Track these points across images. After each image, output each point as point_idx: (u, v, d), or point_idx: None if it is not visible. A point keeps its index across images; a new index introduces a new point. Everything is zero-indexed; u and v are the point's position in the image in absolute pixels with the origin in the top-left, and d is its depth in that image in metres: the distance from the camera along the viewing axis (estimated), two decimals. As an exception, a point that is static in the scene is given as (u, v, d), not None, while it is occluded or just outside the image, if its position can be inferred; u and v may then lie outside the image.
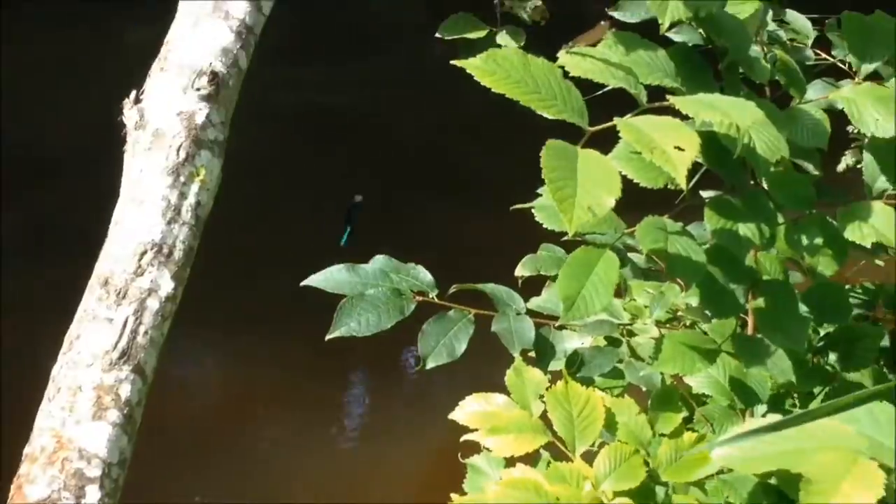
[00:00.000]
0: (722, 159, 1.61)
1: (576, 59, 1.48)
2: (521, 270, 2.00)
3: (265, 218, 4.70)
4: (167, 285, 1.81)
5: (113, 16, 5.20)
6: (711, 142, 1.63)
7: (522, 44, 2.22)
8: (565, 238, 1.86)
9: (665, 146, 1.35)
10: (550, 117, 1.41)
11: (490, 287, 1.93)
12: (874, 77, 1.79)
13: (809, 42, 2.09)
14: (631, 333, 1.95)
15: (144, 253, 1.81)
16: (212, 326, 4.33)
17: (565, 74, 1.45)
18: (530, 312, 1.93)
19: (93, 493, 1.63)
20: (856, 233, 1.67)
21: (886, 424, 1.14)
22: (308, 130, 5.16)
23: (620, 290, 2.08)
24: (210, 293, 4.02)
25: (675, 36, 1.82)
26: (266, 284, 3.73)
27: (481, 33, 2.23)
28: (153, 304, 1.79)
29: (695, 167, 1.70)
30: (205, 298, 4.12)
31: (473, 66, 1.40)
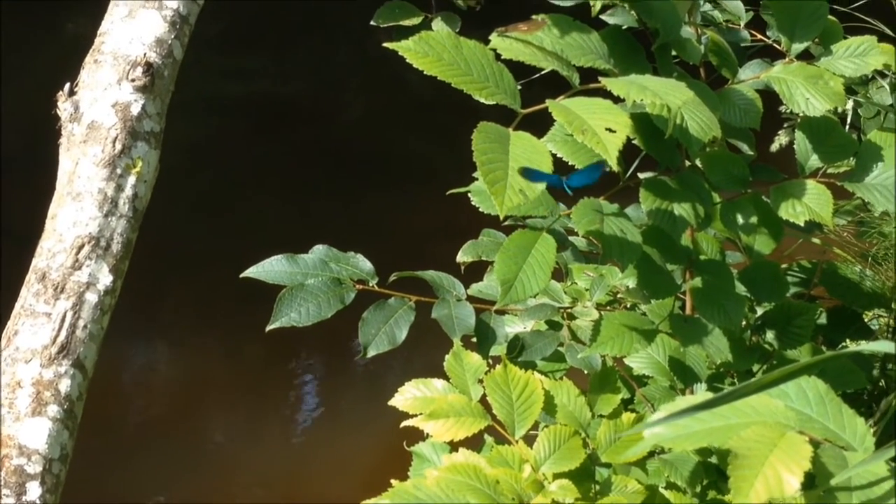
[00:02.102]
0: (655, 140, 1.62)
1: (508, 42, 1.48)
2: (463, 256, 2.00)
3: (210, 208, 4.68)
4: (105, 278, 1.80)
5: (53, 6, 5.15)
6: (644, 123, 1.64)
7: (458, 29, 2.23)
8: (507, 223, 1.87)
9: (596, 128, 1.36)
10: (483, 100, 1.42)
11: (430, 274, 1.94)
12: (806, 56, 1.80)
13: (743, 23, 2.10)
14: (572, 316, 1.95)
15: (82, 247, 1.80)
16: (159, 320, 4.31)
17: (498, 57, 1.46)
18: (471, 298, 1.93)
19: (34, 489, 1.62)
20: (789, 211, 1.68)
21: (814, 399, 1.15)
22: (253, 120, 5.14)
23: (561, 273, 2.09)
24: (156, 286, 4.00)
25: (609, 18, 1.83)
26: (212, 276, 3.71)
27: (416, 20, 2.24)
28: (92, 297, 1.78)
29: (635, 149, 1.72)
30: (151, 292, 4.11)
31: (405, 48, 1.40)
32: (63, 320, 1.75)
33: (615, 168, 1.36)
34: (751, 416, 1.11)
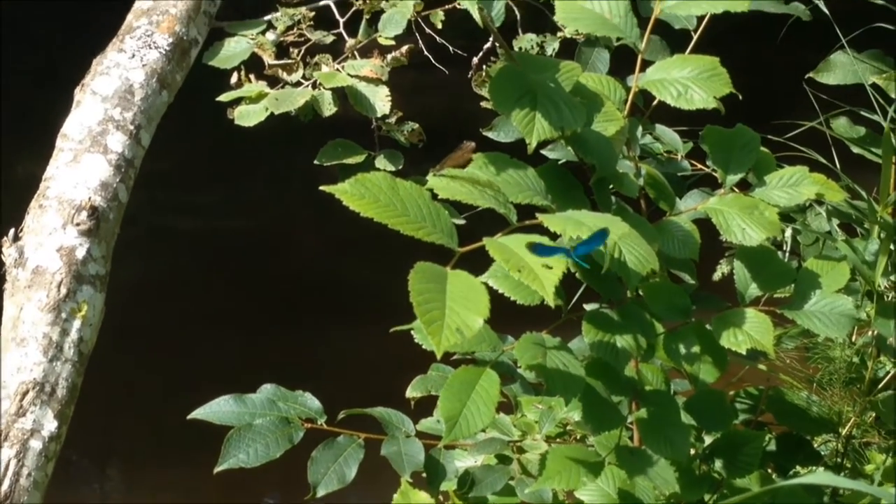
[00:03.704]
0: (595, 274, 1.64)
1: (444, 182, 1.51)
2: (412, 392, 2.00)
3: (159, 346, 4.65)
4: (50, 425, 1.79)
5: (3, 149, 5.18)
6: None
7: (400, 167, 2.26)
8: (456, 357, 1.87)
9: (533, 265, 1.38)
10: (420, 239, 1.43)
11: (379, 410, 1.93)
12: (743, 185, 1.84)
13: (681, 154, 2.15)
14: (521, 450, 1.95)
15: (26, 393, 1.79)
16: (111, 463, 4.25)
17: (434, 196, 1.48)
18: (421, 434, 1.93)
19: None
20: (731, 340, 1.70)
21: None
22: (204, 255, 5.15)
23: (511, 407, 2.09)
24: (106, 429, 3.96)
25: (549, 153, 1.86)
26: (162, 416, 3.68)
27: (359, 158, 2.26)
28: (36, 444, 1.77)
29: (578, 280, 1.74)
30: (101, 434, 4.06)
31: (341, 191, 1.42)
32: (6, 469, 1.73)
33: (552, 304, 1.37)
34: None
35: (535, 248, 1.38)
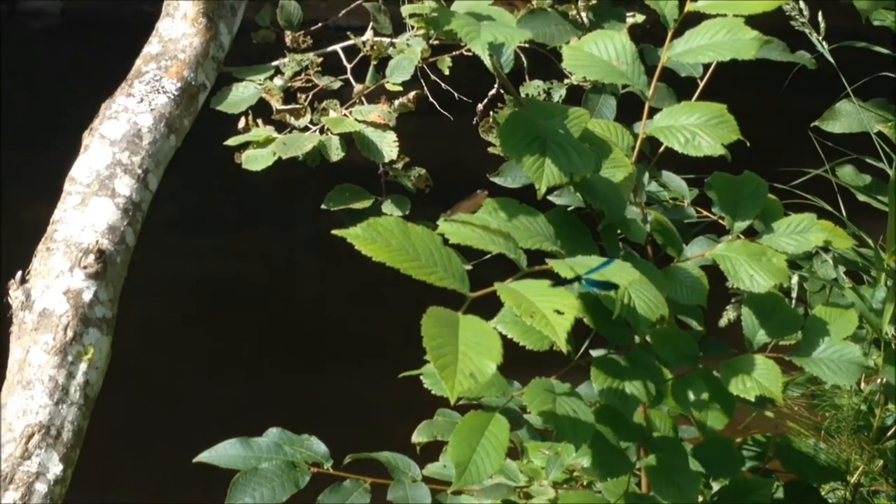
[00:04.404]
0: (604, 320, 1.64)
1: (455, 227, 1.51)
2: (418, 437, 2.00)
3: (163, 391, 4.64)
4: (55, 468, 1.79)
5: (11, 194, 5.19)
6: (593, 303, 1.66)
7: (407, 212, 2.26)
8: (461, 402, 1.87)
9: (545, 310, 1.38)
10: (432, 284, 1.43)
11: (385, 455, 1.93)
12: (750, 232, 1.85)
13: (687, 201, 2.15)
14: (528, 496, 1.94)
15: (32, 436, 1.79)
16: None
17: (445, 241, 1.48)
18: (427, 479, 1.92)
19: None
20: (739, 387, 1.70)
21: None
22: (207, 300, 5.14)
23: (517, 452, 2.08)
24: (109, 472, 3.94)
25: (557, 199, 1.87)
26: (167, 460, 3.67)
27: (366, 203, 2.27)
28: (41, 488, 1.76)
29: (586, 327, 1.74)
30: (105, 477, 4.04)
31: (354, 235, 1.42)
32: (11, 512, 1.72)
33: (564, 350, 1.37)
34: None
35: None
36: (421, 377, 1.77)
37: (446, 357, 1.30)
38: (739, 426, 2.53)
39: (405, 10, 1.82)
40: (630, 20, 2.40)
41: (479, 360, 1.32)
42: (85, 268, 1.93)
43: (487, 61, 1.60)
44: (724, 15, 1.76)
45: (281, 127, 2.38)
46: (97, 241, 1.96)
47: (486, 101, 2.55)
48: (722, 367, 1.73)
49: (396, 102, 2.38)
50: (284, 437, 1.87)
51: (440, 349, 1.30)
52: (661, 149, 1.83)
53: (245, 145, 2.32)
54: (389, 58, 2.42)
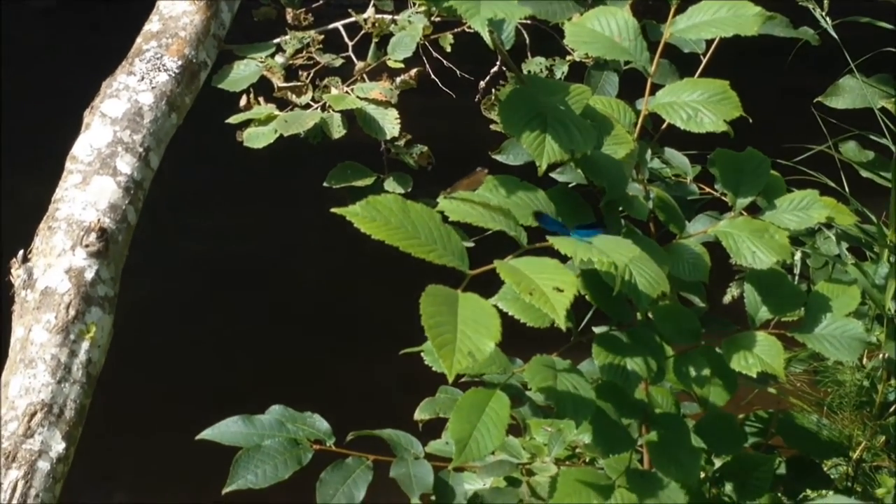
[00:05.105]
0: (605, 296, 1.64)
1: (455, 204, 1.51)
2: (420, 414, 2.00)
3: (165, 369, 4.65)
4: (58, 446, 1.79)
5: (14, 172, 5.18)
6: (594, 280, 1.66)
7: (409, 189, 2.26)
8: (464, 379, 1.87)
9: (544, 287, 1.38)
10: (431, 262, 1.43)
11: (388, 432, 1.93)
12: (752, 209, 1.84)
13: (690, 178, 2.15)
14: (530, 472, 1.94)
15: (34, 414, 1.79)
16: (117, 482, 4.24)
17: (445, 219, 1.48)
18: (430, 456, 1.92)
19: None
20: (741, 363, 1.69)
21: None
22: (209, 279, 5.15)
23: (519, 429, 2.08)
24: (112, 449, 3.95)
25: (558, 176, 1.86)
26: (170, 437, 3.68)
27: (368, 181, 2.27)
28: (44, 465, 1.76)
29: (588, 303, 1.73)
30: (107, 456, 4.05)
31: (352, 213, 1.42)
32: (14, 490, 1.73)
33: (563, 327, 1.37)
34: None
35: (542, 219, 1.37)
36: (421, 354, 1.77)
37: (445, 335, 1.30)
38: (742, 402, 2.53)
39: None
40: (632, -5, 2.39)
41: (477, 338, 1.31)
42: (87, 246, 1.93)
43: (487, 38, 1.59)
44: (727, -10, 1.75)
45: (282, 104, 2.37)
46: (99, 220, 1.96)
47: (488, 78, 2.55)
48: (724, 344, 1.73)
49: (398, 79, 2.38)
50: (287, 415, 1.88)
51: (439, 327, 1.30)
52: (664, 125, 1.83)
53: (246, 123, 2.32)
54: (391, 35, 2.41)
